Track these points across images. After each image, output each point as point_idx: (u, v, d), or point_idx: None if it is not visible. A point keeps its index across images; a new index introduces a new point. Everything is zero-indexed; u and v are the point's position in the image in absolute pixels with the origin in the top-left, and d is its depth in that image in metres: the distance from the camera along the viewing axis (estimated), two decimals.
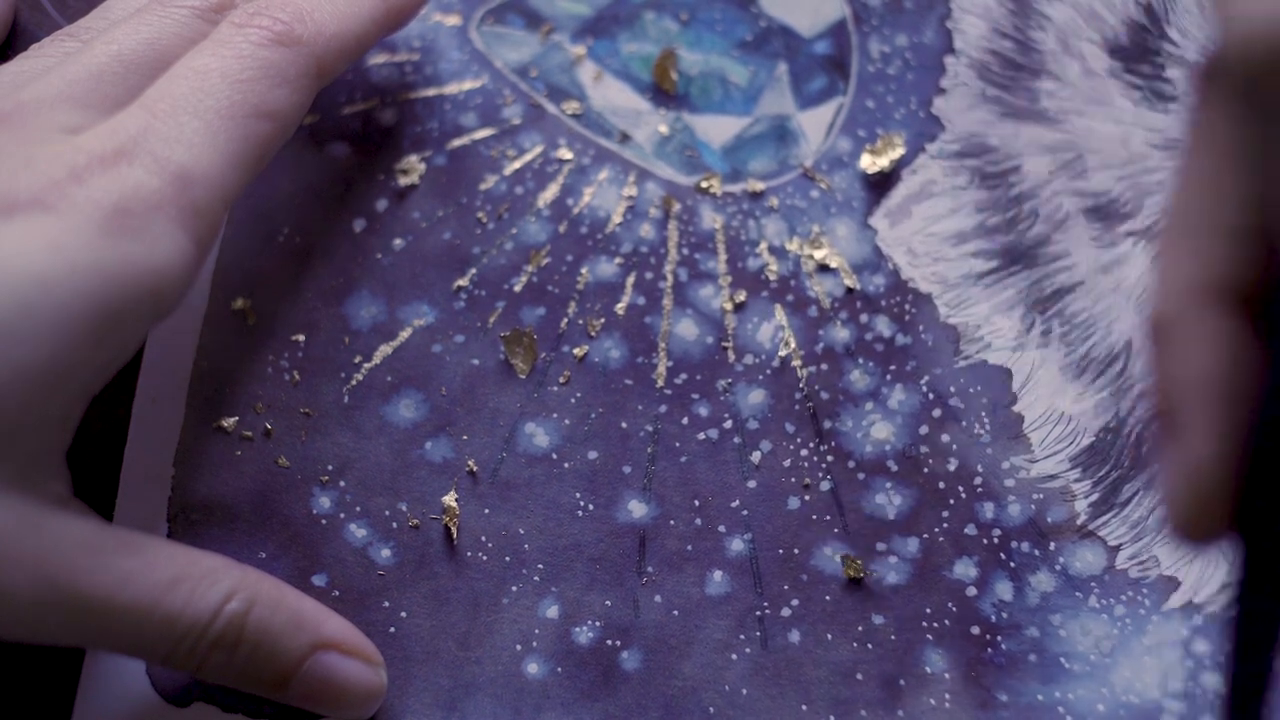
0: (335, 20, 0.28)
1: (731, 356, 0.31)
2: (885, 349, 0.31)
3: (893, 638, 0.29)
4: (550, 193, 0.33)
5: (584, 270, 0.32)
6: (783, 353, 0.31)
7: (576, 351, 0.31)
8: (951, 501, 0.30)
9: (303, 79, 0.27)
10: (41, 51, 0.28)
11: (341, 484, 0.30)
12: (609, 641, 0.29)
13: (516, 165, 0.33)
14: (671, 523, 0.30)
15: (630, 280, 0.32)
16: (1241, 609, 0.20)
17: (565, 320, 0.31)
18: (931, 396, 0.31)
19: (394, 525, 0.30)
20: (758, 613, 0.29)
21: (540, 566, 0.30)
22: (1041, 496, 0.30)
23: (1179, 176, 0.20)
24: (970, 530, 0.30)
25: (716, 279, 0.32)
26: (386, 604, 0.29)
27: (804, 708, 0.29)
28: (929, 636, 0.29)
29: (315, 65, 0.28)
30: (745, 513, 0.30)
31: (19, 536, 0.24)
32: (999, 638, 0.29)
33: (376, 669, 0.28)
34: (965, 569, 0.30)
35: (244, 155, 0.26)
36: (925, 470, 0.30)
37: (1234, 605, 0.20)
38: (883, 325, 0.32)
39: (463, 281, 0.32)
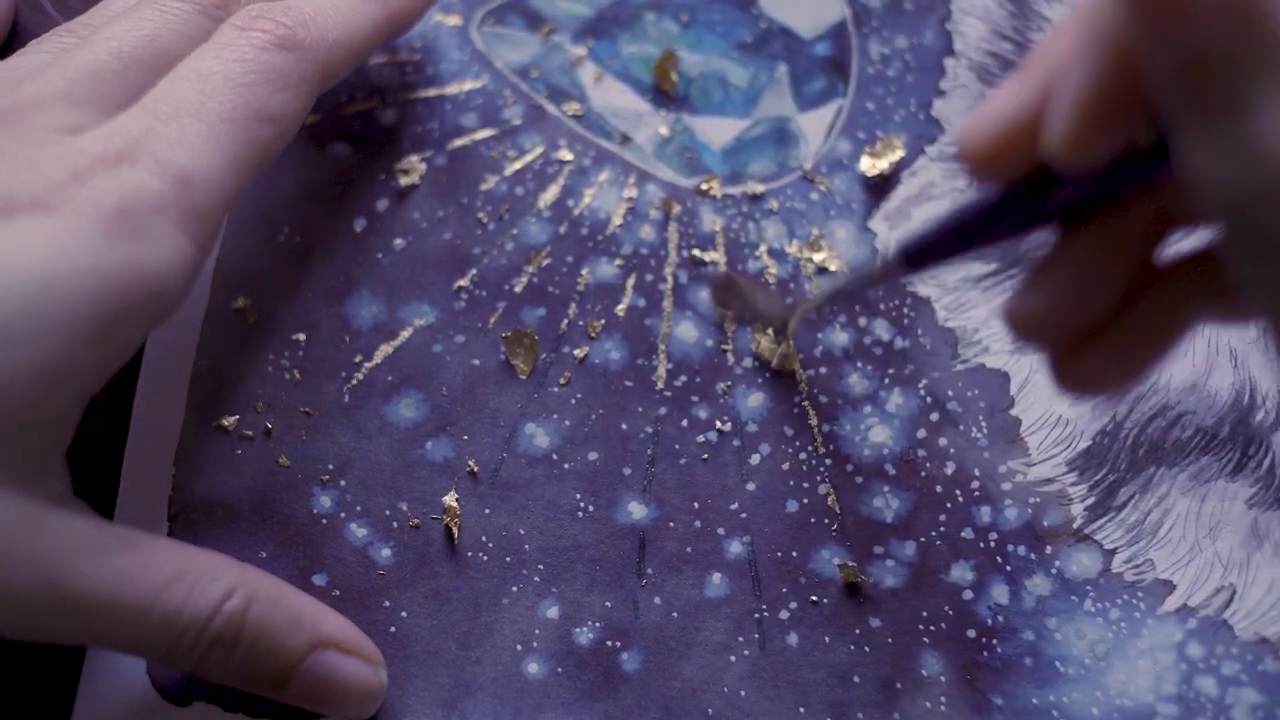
0: (338, 26, 0.28)
1: (731, 359, 0.31)
2: (884, 352, 0.31)
3: (889, 641, 0.29)
4: (551, 194, 0.33)
5: (584, 271, 0.32)
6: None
7: (577, 352, 0.31)
8: (949, 505, 0.30)
9: (304, 84, 0.27)
10: (40, 47, 0.28)
11: (342, 483, 0.30)
12: (609, 642, 0.29)
13: (517, 166, 0.33)
14: (671, 524, 0.30)
15: (630, 282, 0.32)
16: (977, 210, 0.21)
17: (566, 321, 0.31)
18: (929, 400, 0.31)
19: (394, 525, 0.30)
20: (756, 615, 0.29)
21: (540, 567, 0.30)
22: (1038, 500, 0.30)
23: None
24: (967, 534, 0.30)
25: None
26: (387, 603, 0.29)
27: (801, 710, 0.29)
28: (925, 640, 0.29)
29: (317, 70, 0.28)
30: (744, 515, 0.30)
31: (19, 535, 0.24)
32: (995, 641, 0.29)
33: (376, 668, 0.28)
34: (962, 572, 0.30)
35: (245, 159, 0.26)
36: (923, 474, 0.30)
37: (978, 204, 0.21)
38: (881, 329, 0.32)
39: (463, 282, 0.32)
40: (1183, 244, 0.20)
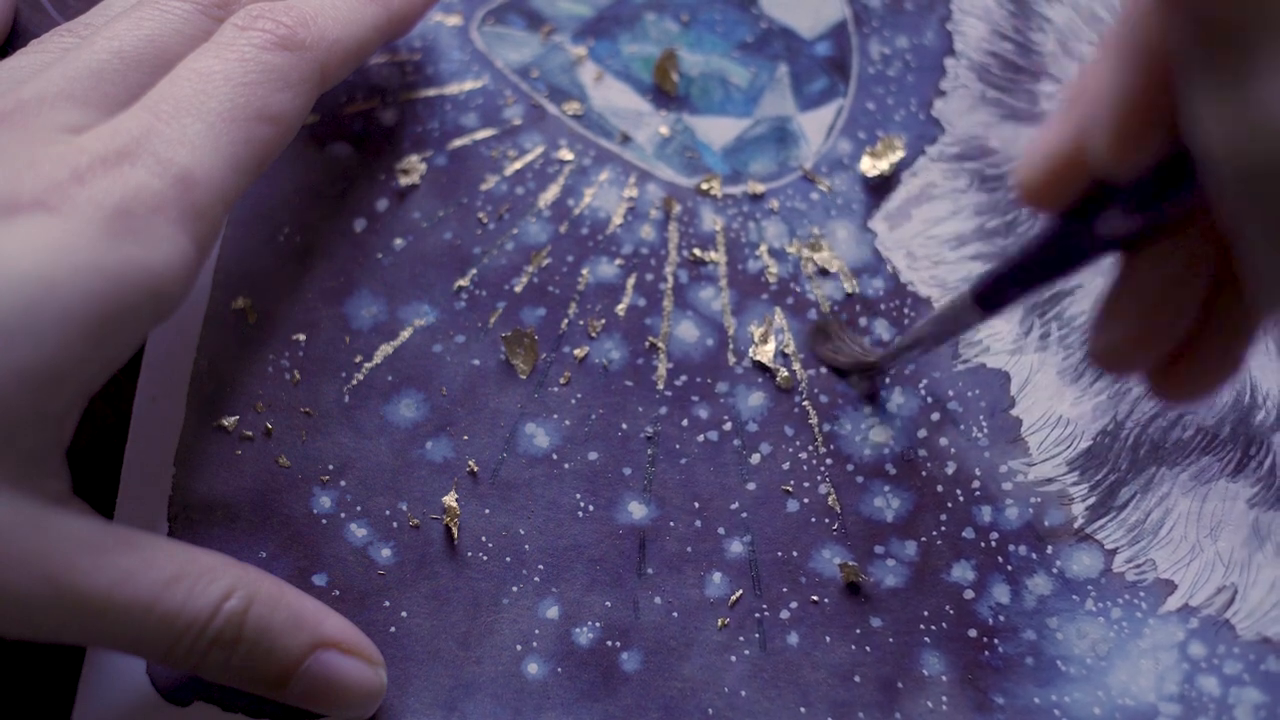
0: (338, 25, 0.28)
1: (731, 359, 0.31)
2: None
3: (890, 640, 0.29)
4: (551, 193, 0.33)
5: (585, 271, 0.32)
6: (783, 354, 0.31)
7: (577, 352, 0.31)
8: (949, 505, 0.30)
9: (305, 84, 0.27)
10: (41, 47, 0.28)
11: (342, 483, 0.30)
12: (609, 642, 0.29)
13: (517, 166, 0.33)
14: (671, 524, 0.30)
15: (631, 281, 0.32)
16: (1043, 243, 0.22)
17: (566, 321, 0.31)
18: (930, 400, 0.31)
19: (394, 525, 0.30)
20: (757, 615, 0.29)
21: (540, 567, 0.30)
22: (1039, 500, 0.30)
23: None
24: (968, 533, 0.30)
25: (717, 281, 0.32)
26: (387, 604, 0.29)
27: (802, 709, 0.29)
28: (926, 639, 0.29)
29: (318, 70, 0.28)
30: (745, 515, 0.30)
31: (19, 534, 0.23)
32: (996, 640, 0.29)
33: (376, 668, 0.28)
34: (963, 572, 0.30)
35: (245, 158, 0.26)
36: (923, 473, 0.30)
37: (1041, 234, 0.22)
38: (881, 328, 0.32)
39: (463, 282, 0.32)
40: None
